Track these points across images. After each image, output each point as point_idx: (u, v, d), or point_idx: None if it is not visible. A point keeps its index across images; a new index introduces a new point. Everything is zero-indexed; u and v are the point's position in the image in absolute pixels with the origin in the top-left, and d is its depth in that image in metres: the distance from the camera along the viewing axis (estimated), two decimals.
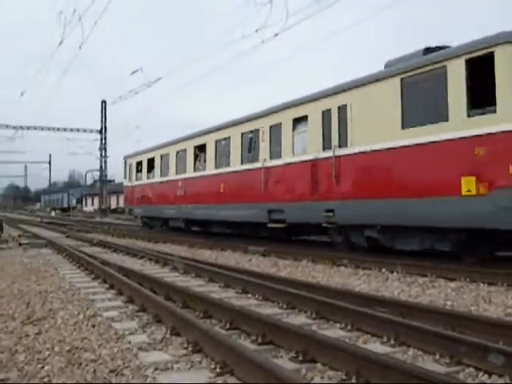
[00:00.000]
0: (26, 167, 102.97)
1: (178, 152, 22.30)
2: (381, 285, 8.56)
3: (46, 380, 4.00)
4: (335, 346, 4.24)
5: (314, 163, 13.37)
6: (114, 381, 3.98)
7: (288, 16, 14.42)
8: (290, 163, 14.47)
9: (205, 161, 19.85)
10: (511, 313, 6.24)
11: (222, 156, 18.47)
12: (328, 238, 14.09)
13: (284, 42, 28.06)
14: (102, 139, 54.36)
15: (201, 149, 20.33)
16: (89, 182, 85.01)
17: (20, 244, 16.84)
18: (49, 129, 52.56)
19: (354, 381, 3.83)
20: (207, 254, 13.87)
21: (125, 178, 29.48)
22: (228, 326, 5.55)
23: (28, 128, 51.64)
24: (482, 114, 9.30)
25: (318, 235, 15.60)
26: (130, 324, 5.81)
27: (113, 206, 63.41)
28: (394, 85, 11.07)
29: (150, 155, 25.59)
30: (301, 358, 4.36)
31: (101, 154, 54.70)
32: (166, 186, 23.14)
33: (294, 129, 14.48)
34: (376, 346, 4.85)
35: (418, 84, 10.57)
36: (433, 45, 11.04)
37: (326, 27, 40.36)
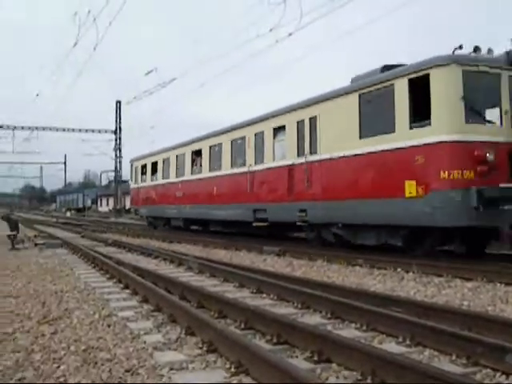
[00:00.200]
0: (41, 168, 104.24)
1: (177, 156, 23.92)
2: (396, 285, 8.52)
3: (61, 379, 4.02)
4: (350, 345, 4.22)
5: (291, 168, 14.82)
6: (129, 380, 3.99)
7: (302, 15, 14.53)
8: (271, 168, 15.99)
9: (201, 165, 21.48)
10: None
11: (216, 160, 20.03)
12: (305, 236, 15.68)
13: (298, 42, 28.10)
14: (116, 140, 54.64)
15: (197, 154, 21.95)
16: (104, 182, 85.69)
17: (36, 244, 17.01)
18: (64, 130, 52.96)
19: (369, 381, 3.81)
20: (222, 254, 13.92)
21: (131, 179, 31.31)
22: (243, 325, 5.54)
23: (43, 129, 52.19)
24: (421, 126, 10.66)
25: (296, 232, 17.78)
26: (145, 324, 5.83)
27: (127, 207, 63.58)
28: (353, 100, 12.48)
29: (153, 159, 27.31)
30: (316, 357, 4.34)
31: (115, 155, 55.01)
32: (168, 187, 24.77)
33: (274, 137, 15.95)
34: (391, 346, 4.82)
35: (373, 99, 11.97)
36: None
37: (340, 26, 40.30)
